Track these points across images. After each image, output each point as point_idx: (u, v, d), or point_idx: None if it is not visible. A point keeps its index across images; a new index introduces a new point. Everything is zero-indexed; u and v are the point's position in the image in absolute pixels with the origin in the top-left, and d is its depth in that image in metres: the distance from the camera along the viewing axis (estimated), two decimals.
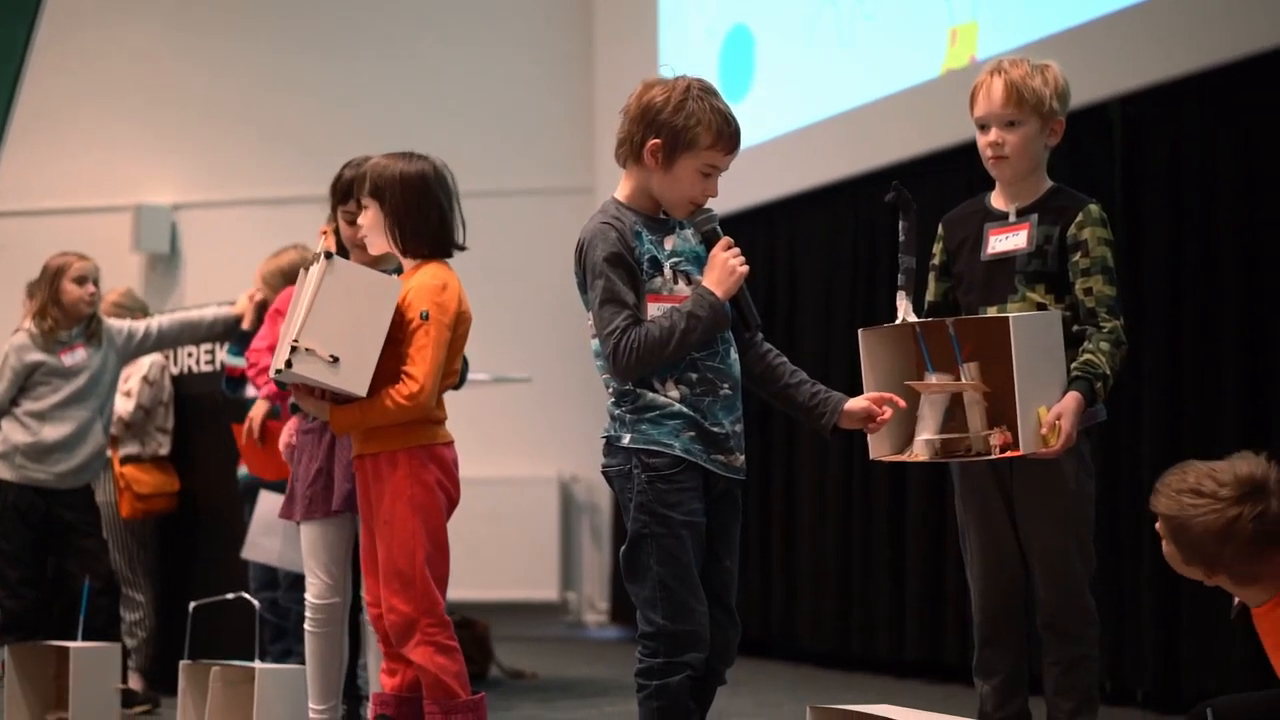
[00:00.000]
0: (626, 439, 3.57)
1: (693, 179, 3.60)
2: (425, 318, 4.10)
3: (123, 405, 6.77)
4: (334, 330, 3.97)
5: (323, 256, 4.00)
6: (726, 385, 3.61)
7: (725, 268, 3.60)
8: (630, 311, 3.51)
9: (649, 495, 3.53)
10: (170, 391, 6.98)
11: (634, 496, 3.55)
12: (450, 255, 4.30)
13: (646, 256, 3.57)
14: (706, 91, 3.61)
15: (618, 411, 3.61)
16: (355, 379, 4.00)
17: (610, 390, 3.62)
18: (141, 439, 6.85)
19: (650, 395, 3.56)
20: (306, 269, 4.19)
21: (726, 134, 3.60)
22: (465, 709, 4.11)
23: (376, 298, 4.06)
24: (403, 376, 4.08)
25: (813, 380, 3.75)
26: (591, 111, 10.33)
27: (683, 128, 3.55)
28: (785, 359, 3.76)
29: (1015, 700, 4.08)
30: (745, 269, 3.62)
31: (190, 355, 6.98)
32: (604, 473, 3.67)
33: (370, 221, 4.28)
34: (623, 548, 3.58)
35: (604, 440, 3.64)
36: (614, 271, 3.52)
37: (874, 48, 7.85)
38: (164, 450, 6.92)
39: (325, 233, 5.14)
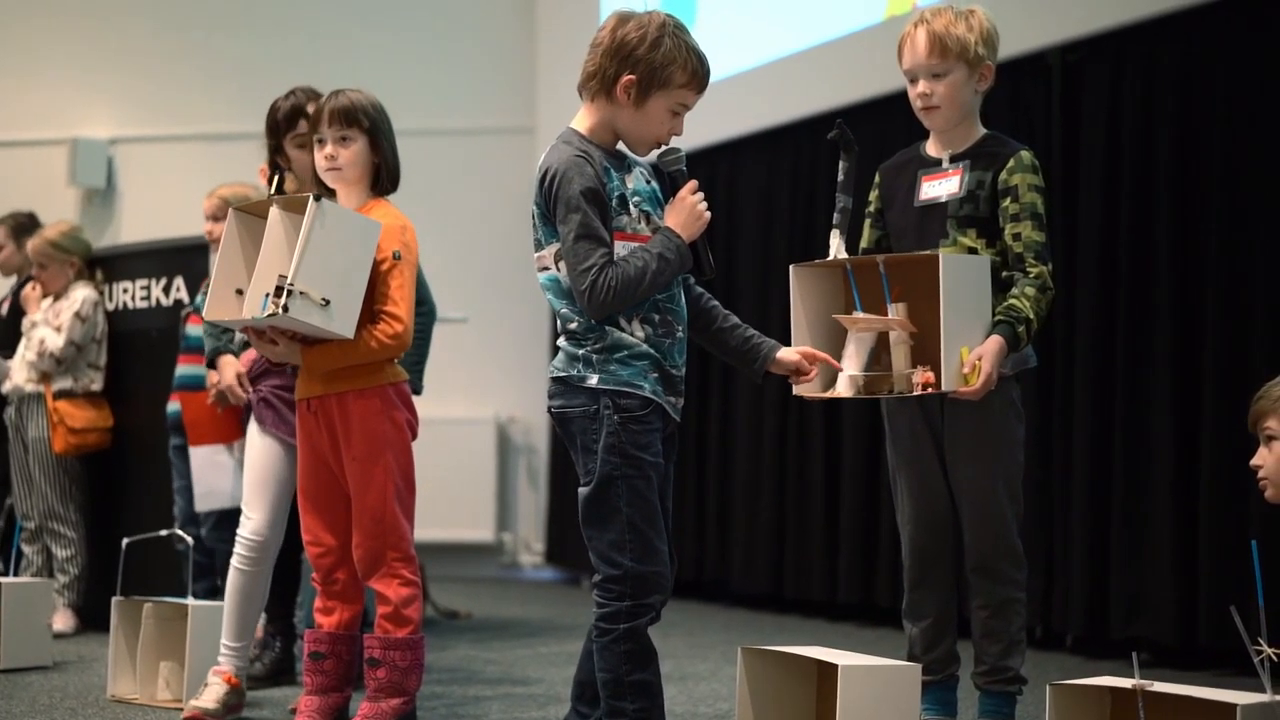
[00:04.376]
0: (594, 379, 3.50)
1: (662, 117, 3.57)
2: (398, 258, 4.13)
3: (53, 340, 6.72)
4: (324, 273, 3.95)
5: (311, 199, 3.96)
6: (681, 328, 3.59)
7: (692, 211, 3.58)
8: (606, 249, 3.46)
9: (621, 437, 3.47)
10: (104, 328, 6.92)
11: (602, 438, 3.48)
12: (391, 192, 4.32)
13: (615, 195, 3.53)
14: (680, 29, 3.58)
15: (581, 351, 3.53)
16: (345, 322, 4.00)
17: (571, 327, 3.55)
18: (74, 374, 6.80)
19: (617, 334, 3.51)
20: (251, 211, 4.16)
21: (700, 73, 3.57)
22: (404, 646, 4.12)
23: (360, 240, 4.05)
24: (383, 317, 4.09)
25: (745, 325, 3.74)
26: (533, 51, 10.30)
27: (659, 65, 3.52)
28: (718, 303, 3.75)
29: (943, 643, 4.13)
30: (709, 215, 3.61)
31: (125, 291, 6.93)
32: (560, 412, 3.57)
33: (357, 156, 4.23)
34: (585, 491, 3.51)
35: (557, 379, 3.56)
36: (590, 207, 3.47)
37: None
38: (96, 386, 6.87)
39: (265, 171, 5.11)
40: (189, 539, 5.14)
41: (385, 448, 4.14)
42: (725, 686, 5.26)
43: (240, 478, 5.91)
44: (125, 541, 5.08)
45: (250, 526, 4.65)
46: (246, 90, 10.24)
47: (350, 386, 4.13)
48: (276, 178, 4.75)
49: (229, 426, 5.73)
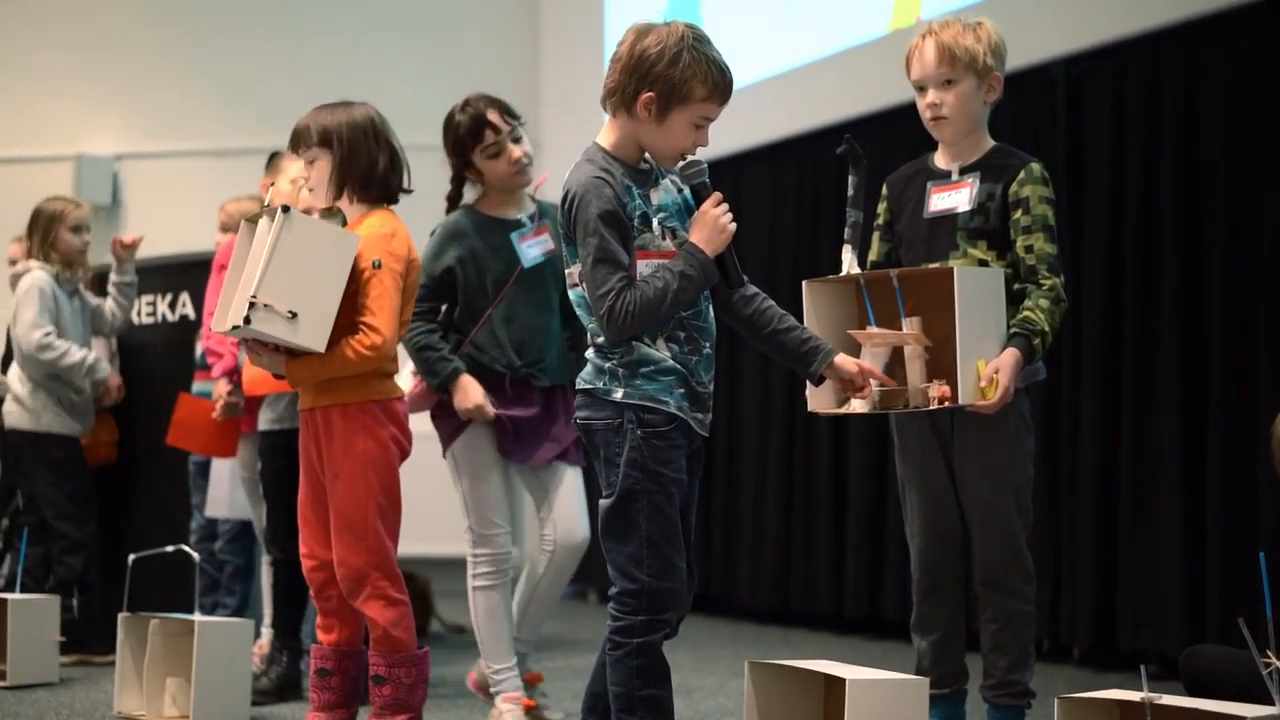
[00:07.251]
0: (619, 393, 3.49)
1: (685, 131, 3.54)
2: (378, 266, 4.05)
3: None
4: (291, 285, 3.92)
5: (279, 211, 3.95)
6: (708, 344, 3.58)
7: (715, 225, 3.56)
8: (624, 273, 3.44)
9: (643, 452, 3.46)
10: (115, 342, 6.91)
11: (624, 452, 3.47)
12: (396, 201, 4.27)
13: (637, 213, 3.51)
14: (700, 40, 3.53)
15: (608, 364, 3.52)
16: (313, 335, 3.96)
17: (599, 341, 3.54)
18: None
19: (645, 349, 3.50)
20: (252, 221, 4.16)
21: (721, 85, 3.54)
22: (408, 662, 4.10)
23: (334, 251, 4.01)
24: (363, 328, 4.03)
25: (803, 327, 3.71)
26: (536, 66, 10.30)
27: (678, 81, 3.48)
28: (774, 304, 3.70)
29: (952, 657, 4.12)
30: (734, 226, 3.58)
31: (132, 308, 6.93)
32: (585, 424, 3.56)
33: (320, 174, 4.21)
34: (606, 503, 3.50)
35: (584, 391, 3.56)
36: (608, 230, 3.44)
37: (821, 5, 7.84)
38: (108, 400, 6.83)
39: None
40: (196, 555, 5.13)
41: (367, 465, 4.08)
42: (732, 701, 5.25)
43: (239, 491, 5.95)
44: (131, 557, 5.08)
45: (487, 541, 4.75)
46: (251, 106, 10.28)
47: (335, 400, 4.09)
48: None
49: (228, 439, 5.77)
